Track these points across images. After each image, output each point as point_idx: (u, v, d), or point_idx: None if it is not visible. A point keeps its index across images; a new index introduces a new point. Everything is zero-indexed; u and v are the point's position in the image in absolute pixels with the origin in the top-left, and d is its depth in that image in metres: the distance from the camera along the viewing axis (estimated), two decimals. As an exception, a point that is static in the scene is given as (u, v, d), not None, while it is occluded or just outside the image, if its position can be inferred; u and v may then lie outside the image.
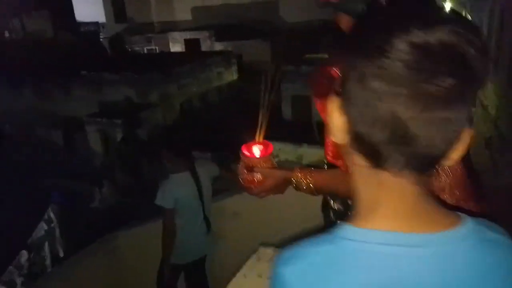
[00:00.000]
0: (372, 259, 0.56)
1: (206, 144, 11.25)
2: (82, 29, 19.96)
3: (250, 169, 1.30)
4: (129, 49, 21.04)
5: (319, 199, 2.32)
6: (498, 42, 9.45)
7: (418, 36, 0.50)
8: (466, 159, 1.28)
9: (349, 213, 1.34)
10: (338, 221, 1.43)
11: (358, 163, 0.59)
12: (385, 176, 0.56)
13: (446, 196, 1.28)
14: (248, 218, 2.48)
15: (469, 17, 9.90)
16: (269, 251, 1.22)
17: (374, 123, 0.53)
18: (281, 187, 1.33)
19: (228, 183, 2.46)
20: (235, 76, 16.60)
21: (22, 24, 16.26)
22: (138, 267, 2.63)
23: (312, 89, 1.41)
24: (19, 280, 4.24)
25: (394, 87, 0.51)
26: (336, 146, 1.31)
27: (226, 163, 10.49)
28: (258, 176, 1.29)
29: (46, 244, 5.08)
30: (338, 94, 0.59)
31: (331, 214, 1.51)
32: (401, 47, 0.50)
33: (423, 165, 0.55)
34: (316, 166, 1.38)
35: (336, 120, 0.60)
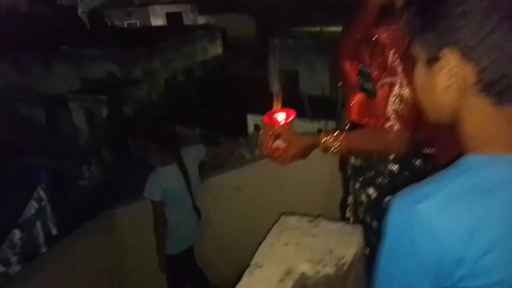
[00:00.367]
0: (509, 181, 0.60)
1: (193, 120, 11.16)
2: (59, 2, 19.14)
3: (275, 137, 1.30)
4: (109, 23, 20.37)
5: (320, 168, 2.34)
6: None
7: None
8: None
9: (376, 167, 1.42)
10: (358, 176, 1.49)
11: (477, 105, 0.64)
12: (508, 110, 0.61)
13: None
14: (250, 191, 2.48)
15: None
16: (292, 219, 1.23)
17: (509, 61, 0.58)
18: (305, 153, 1.34)
19: (228, 158, 2.43)
20: (220, 51, 16.33)
21: (-5, -3, 15.50)
22: (136, 244, 2.62)
23: (345, 52, 1.40)
24: (13, 259, 4.20)
25: None
26: (364, 104, 1.38)
27: (214, 139, 10.47)
28: (282, 143, 1.30)
29: (38, 222, 5.02)
30: (455, 45, 0.61)
31: (349, 171, 1.55)
32: None
33: None
34: (337, 129, 1.40)
35: (453, 72, 0.63)
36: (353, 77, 1.38)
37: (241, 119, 10.26)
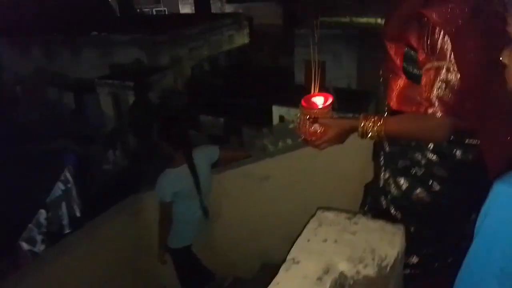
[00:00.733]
0: None
1: (217, 109, 11.15)
2: (90, -12, 19.39)
3: (313, 120, 1.31)
4: (138, 10, 20.54)
5: (351, 159, 2.25)
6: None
7: None
8: None
9: (413, 155, 1.36)
10: (391, 164, 1.45)
11: None
12: None
13: None
14: (279, 181, 2.41)
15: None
16: (329, 214, 1.15)
17: None
18: (343, 136, 1.34)
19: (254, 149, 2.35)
20: (246, 40, 16.22)
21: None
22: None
23: (390, 34, 1.36)
24: (39, 238, 4.30)
25: None
26: (407, 90, 1.33)
27: (238, 128, 10.42)
28: (319, 127, 1.31)
29: (63, 204, 5.13)
30: None
31: (382, 159, 1.51)
32: None
33: None
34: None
35: None
36: (398, 61, 1.33)
37: (266, 109, 10.17)
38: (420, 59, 1.24)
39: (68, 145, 9.48)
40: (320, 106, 1.33)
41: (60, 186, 5.26)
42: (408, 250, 1.29)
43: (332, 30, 13.06)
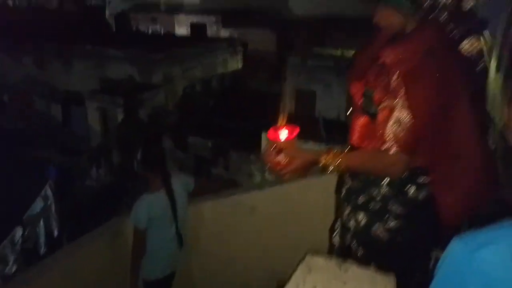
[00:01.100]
0: None
1: (206, 131, 11.12)
2: (88, 3, 19.56)
3: (277, 150, 1.37)
4: (134, 28, 20.69)
5: (332, 192, 2.25)
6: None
7: None
8: (485, 146, 1.34)
9: (370, 191, 1.43)
10: (351, 199, 1.50)
11: None
12: None
13: (462, 179, 1.32)
14: (265, 212, 2.38)
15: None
16: (319, 260, 1.12)
17: None
18: (306, 168, 1.40)
19: (244, 178, 2.34)
20: (240, 64, 16.41)
21: (27, -8, 15.90)
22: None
23: (353, 75, 1.47)
24: (11, 258, 4.12)
25: None
26: (366, 127, 1.42)
27: (225, 153, 10.39)
28: (284, 158, 1.36)
29: (41, 221, 4.96)
30: None
31: (344, 194, 1.56)
32: None
33: None
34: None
35: None
36: (358, 99, 1.43)
37: (255, 135, 10.19)
38: (377, 98, 1.32)
39: (52, 156, 9.29)
40: (285, 138, 1.38)
41: (40, 202, 5.10)
42: None
43: (323, 62, 13.34)
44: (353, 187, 1.50)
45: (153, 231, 2.22)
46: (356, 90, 1.44)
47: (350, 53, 13.65)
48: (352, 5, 13.34)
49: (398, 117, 1.26)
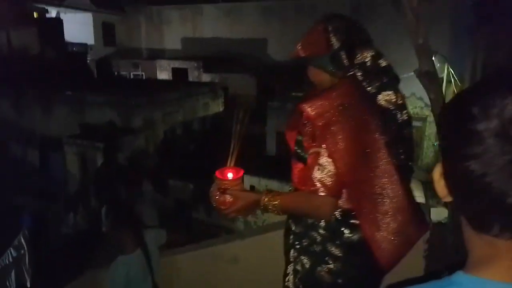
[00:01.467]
0: None
1: (187, 174, 11.05)
2: (70, 49, 19.79)
3: (222, 191, 1.46)
4: (116, 73, 20.93)
5: None
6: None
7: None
8: (407, 187, 1.46)
9: (310, 234, 1.50)
10: (296, 243, 1.57)
11: (466, 223, 0.64)
12: (491, 238, 0.60)
13: (389, 220, 1.40)
14: (248, 262, 2.35)
15: (452, 72, 10.34)
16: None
17: (472, 195, 0.58)
18: (249, 209, 1.48)
19: (226, 223, 2.35)
20: (221, 108, 16.64)
21: (9, 39, 16.00)
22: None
23: (288, 124, 1.65)
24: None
25: (489, 165, 0.55)
26: (302, 172, 1.50)
27: (206, 196, 10.31)
28: (229, 197, 1.44)
29: (13, 272, 4.71)
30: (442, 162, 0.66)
31: (291, 237, 1.61)
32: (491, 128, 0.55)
33: None
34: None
35: (438, 181, 0.67)
36: (293, 146, 1.58)
37: (236, 178, 10.18)
38: (305, 145, 1.46)
39: (27, 203, 8.98)
40: (230, 178, 1.47)
41: (12, 252, 4.86)
42: None
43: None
44: (297, 231, 1.57)
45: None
46: (290, 137, 1.59)
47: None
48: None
49: (322, 163, 1.36)
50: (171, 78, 20.12)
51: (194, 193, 10.20)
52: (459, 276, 0.64)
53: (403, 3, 2.07)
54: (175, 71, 20.32)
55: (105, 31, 23.54)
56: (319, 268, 1.47)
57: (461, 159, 0.58)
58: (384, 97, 1.43)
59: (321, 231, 1.47)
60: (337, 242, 1.45)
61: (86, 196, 9.50)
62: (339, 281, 1.45)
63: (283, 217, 1.65)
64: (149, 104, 12.62)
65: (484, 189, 0.56)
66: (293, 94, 15.81)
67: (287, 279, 1.63)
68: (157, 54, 22.56)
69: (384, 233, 1.39)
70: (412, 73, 2.24)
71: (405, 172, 1.44)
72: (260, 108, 14.69)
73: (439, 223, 2.13)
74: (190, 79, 19.55)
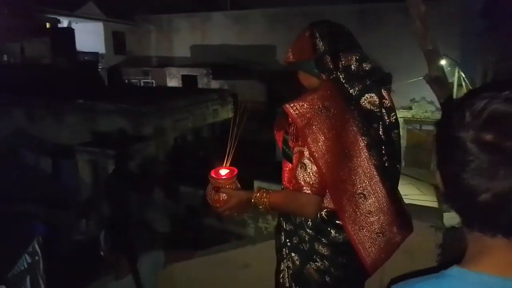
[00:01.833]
0: None
1: (197, 181, 11.09)
2: (81, 58, 20.10)
3: (217, 189, 1.50)
4: (126, 81, 21.17)
5: None
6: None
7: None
8: (391, 188, 1.47)
9: (299, 233, 1.53)
10: (287, 241, 1.60)
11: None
12: (479, 235, 0.66)
13: (372, 220, 1.41)
14: (259, 268, 2.36)
15: (463, 76, 10.26)
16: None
17: (455, 195, 0.66)
18: (243, 206, 1.53)
19: (236, 228, 2.35)
20: (230, 114, 16.70)
21: (22, 49, 16.33)
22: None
23: (277, 124, 1.68)
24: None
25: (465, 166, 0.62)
26: (291, 172, 1.52)
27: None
28: (223, 196, 1.49)
29: (28, 279, 4.77)
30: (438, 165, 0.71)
31: (282, 235, 1.65)
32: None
33: None
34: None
35: (439, 183, 0.72)
36: (280, 145, 1.63)
37: (246, 184, 10.19)
38: (291, 144, 1.50)
39: (40, 210, 9.10)
40: (225, 177, 1.52)
41: (26, 258, 4.93)
42: None
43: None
44: (287, 229, 1.62)
45: None
46: (278, 137, 1.64)
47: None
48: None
49: (305, 162, 1.40)
50: (180, 85, 20.27)
51: (204, 199, 10.23)
52: (453, 270, 0.71)
53: (411, 11, 2.09)
54: (184, 78, 20.48)
55: (116, 40, 23.89)
56: (308, 266, 1.51)
57: (444, 162, 0.66)
58: (368, 99, 1.47)
59: (308, 230, 1.51)
60: (324, 241, 1.48)
61: (98, 203, 9.60)
62: (327, 279, 1.48)
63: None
64: (159, 111, 12.73)
65: (461, 189, 0.62)
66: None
67: (281, 275, 1.66)
68: (166, 62, 22.78)
69: (367, 232, 1.41)
70: (422, 78, 2.24)
71: (389, 174, 1.46)
72: (269, 114, 14.73)
73: (452, 228, 2.12)
74: (200, 86, 19.67)
